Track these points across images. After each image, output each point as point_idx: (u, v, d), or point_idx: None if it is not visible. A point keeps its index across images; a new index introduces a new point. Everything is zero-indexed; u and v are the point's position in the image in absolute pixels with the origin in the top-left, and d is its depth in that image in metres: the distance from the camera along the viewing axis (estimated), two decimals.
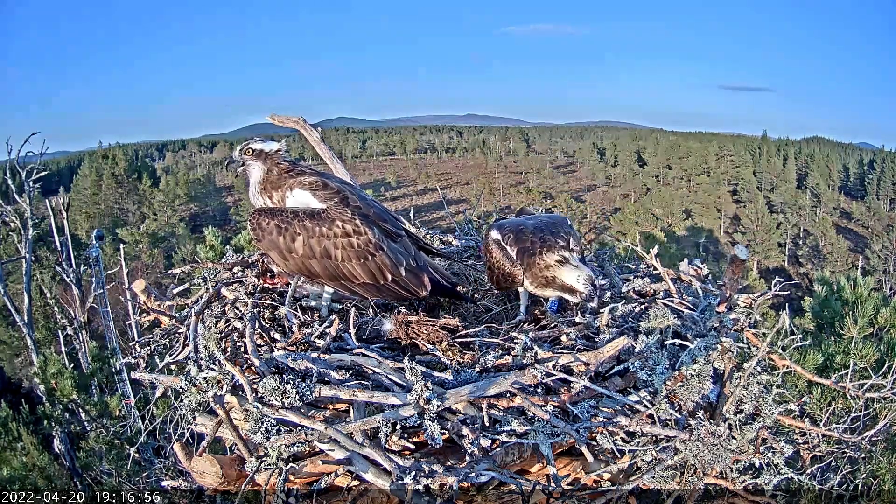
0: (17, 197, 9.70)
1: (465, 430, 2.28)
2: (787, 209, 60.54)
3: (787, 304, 3.56)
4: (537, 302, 3.42)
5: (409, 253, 3.02)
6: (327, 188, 2.94)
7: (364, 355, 2.55)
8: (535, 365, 2.50)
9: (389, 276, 2.91)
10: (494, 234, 3.14)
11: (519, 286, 3.08)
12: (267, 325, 2.87)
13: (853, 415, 3.43)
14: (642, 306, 3.12)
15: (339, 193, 2.93)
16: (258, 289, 3.21)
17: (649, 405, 2.48)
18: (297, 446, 2.31)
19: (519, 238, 3.05)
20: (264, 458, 2.28)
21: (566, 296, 2.94)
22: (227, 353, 2.67)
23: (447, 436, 2.30)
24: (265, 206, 2.96)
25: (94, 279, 11.95)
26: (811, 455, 2.93)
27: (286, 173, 2.98)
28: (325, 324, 2.74)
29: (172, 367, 2.97)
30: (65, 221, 12.55)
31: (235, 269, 3.43)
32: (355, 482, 2.34)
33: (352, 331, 2.70)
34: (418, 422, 2.25)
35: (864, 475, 4.11)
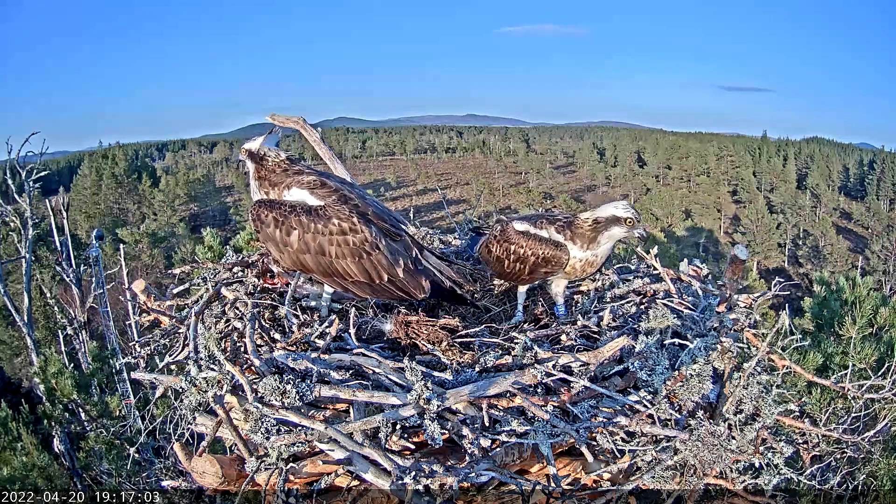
0: (17, 197, 9.69)
1: (465, 430, 2.28)
2: (786, 209, 60.48)
3: (786, 305, 3.57)
4: (537, 302, 3.42)
5: (409, 253, 2.99)
6: (325, 186, 2.93)
7: (364, 355, 2.55)
8: (535, 365, 2.51)
9: (385, 276, 2.89)
10: (519, 226, 3.17)
11: (560, 267, 3.08)
12: (267, 325, 2.87)
13: (853, 415, 3.43)
14: (642, 306, 3.13)
15: (336, 192, 2.92)
16: (258, 289, 3.21)
17: (649, 405, 2.48)
18: (297, 446, 2.31)
19: (545, 220, 3.14)
20: (264, 458, 2.28)
21: (616, 232, 2.98)
22: (227, 353, 2.67)
23: (447, 436, 2.30)
24: (265, 198, 2.96)
25: (94, 279, 11.94)
26: (811, 455, 2.93)
27: (285, 172, 2.98)
28: (325, 324, 2.74)
29: (172, 367, 2.97)
30: (65, 221, 12.54)
31: (235, 269, 3.43)
32: (355, 482, 2.34)
33: (352, 331, 2.70)
34: (418, 422, 2.25)
35: (863, 475, 4.11)
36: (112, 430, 5.54)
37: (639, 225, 2.97)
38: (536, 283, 3.29)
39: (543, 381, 2.48)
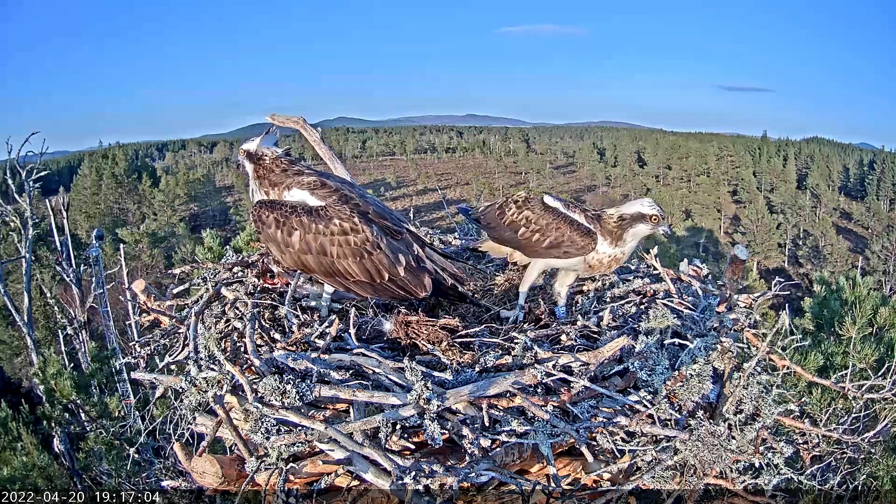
0: (17, 197, 9.69)
1: (465, 430, 2.28)
2: (787, 209, 60.42)
3: (787, 305, 3.57)
4: (537, 302, 3.42)
5: (411, 252, 2.99)
6: (325, 187, 2.93)
7: (364, 355, 2.55)
8: (535, 365, 2.51)
9: (386, 275, 2.89)
10: (550, 201, 3.15)
11: (582, 254, 3.06)
12: (267, 325, 2.87)
13: (853, 415, 3.43)
14: (642, 306, 3.13)
15: (337, 192, 2.92)
16: (258, 289, 3.21)
17: (649, 405, 2.48)
18: (297, 446, 2.31)
19: (576, 207, 3.14)
20: (264, 458, 2.28)
21: (641, 229, 2.99)
22: (227, 353, 2.67)
23: (447, 436, 2.30)
24: (266, 199, 2.96)
25: (94, 279, 11.93)
26: (811, 455, 2.93)
27: (284, 173, 2.98)
28: (325, 324, 2.74)
29: (172, 367, 2.97)
30: (65, 221, 12.54)
31: (235, 269, 3.43)
32: (355, 482, 2.34)
33: (352, 331, 2.70)
34: (418, 422, 2.25)
35: (863, 476, 4.11)
36: (112, 430, 5.54)
37: (664, 222, 2.98)
38: (540, 264, 3.23)
39: (543, 381, 2.48)
